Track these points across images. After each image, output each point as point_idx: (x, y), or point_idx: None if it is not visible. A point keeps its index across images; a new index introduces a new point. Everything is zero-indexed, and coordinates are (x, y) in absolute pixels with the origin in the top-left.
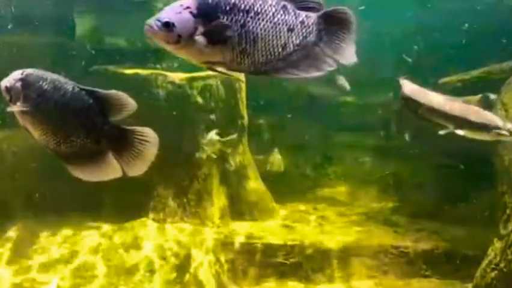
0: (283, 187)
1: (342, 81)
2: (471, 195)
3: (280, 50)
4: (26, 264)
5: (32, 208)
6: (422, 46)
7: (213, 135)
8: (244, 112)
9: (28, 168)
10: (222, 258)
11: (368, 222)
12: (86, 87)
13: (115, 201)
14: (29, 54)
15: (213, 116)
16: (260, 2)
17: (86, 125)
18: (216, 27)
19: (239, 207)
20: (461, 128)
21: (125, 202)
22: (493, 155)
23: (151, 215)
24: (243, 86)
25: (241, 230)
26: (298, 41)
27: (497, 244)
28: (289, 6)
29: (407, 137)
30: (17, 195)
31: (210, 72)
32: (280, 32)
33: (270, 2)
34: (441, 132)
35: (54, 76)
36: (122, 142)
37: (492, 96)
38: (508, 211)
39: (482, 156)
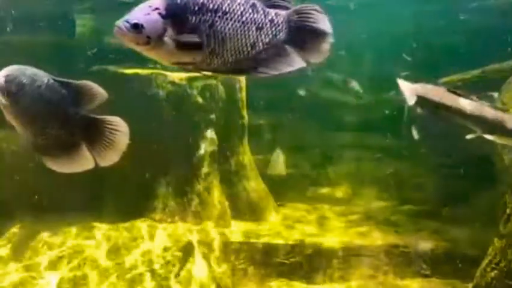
0: (284, 187)
1: (354, 84)
2: (471, 195)
3: (249, 49)
4: (26, 264)
5: (32, 208)
6: (422, 45)
7: (211, 133)
8: (245, 112)
9: (28, 167)
10: (222, 258)
11: (368, 222)
12: (60, 79)
13: (116, 201)
14: (28, 53)
15: (213, 116)
16: (228, 1)
17: (59, 116)
18: (187, 40)
19: (239, 207)
20: (492, 133)
21: (126, 202)
22: (493, 155)
23: (151, 215)
24: (243, 85)
25: (241, 230)
26: (267, 40)
27: (498, 244)
28: (258, 4)
29: (415, 134)
30: (16, 194)
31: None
32: (248, 31)
33: (238, 1)
34: (469, 137)
35: (34, 70)
36: (93, 132)
37: (495, 95)
38: (508, 211)
39: (482, 155)
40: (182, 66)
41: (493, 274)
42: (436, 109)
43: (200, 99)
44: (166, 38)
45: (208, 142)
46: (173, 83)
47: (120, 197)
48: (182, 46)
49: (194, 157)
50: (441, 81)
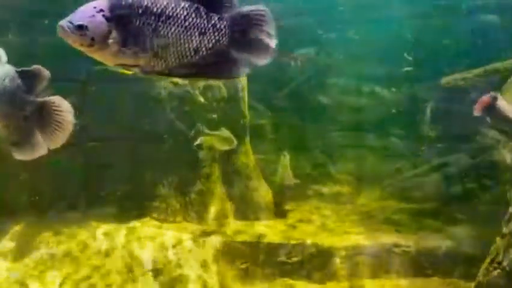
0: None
1: (377, 88)
2: (473, 194)
3: (192, 53)
4: (29, 263)
5: (34, 207)
6: (423, 44)
7: (226, 132)
8: (246, 111)
9: (30, 167)
10: (225, 258)
11: (369, 221)
12: (18, 69)
13: (118, 200)
14: (29, 53)
15: (214, 116)
16: (173, 5)
17: (19, 105)
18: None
19: (241, 207)
20: None
21: (128, 202)
22: (496, 154)
23: (153, 215)
24: (245, 85)
25: (243, 230)
26: (211, 45)
27: (500, 242)
28: (202, 9)
29: (431, 133)
30: (19, 194)
31: None
32: (191, 36)
33: (182, 5)
34: None
35: (2, 66)
36: (43, 115)
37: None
38: (510, 209)
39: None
40: (126, 68)
41: (495, 273)
42: None
43: (202, 99)
44: (110, 41)
45: (224, 141)
46: (175, 83)
47: (122, 196)
48: (126, 49)
49: (196, 157)
50: (443, 81)
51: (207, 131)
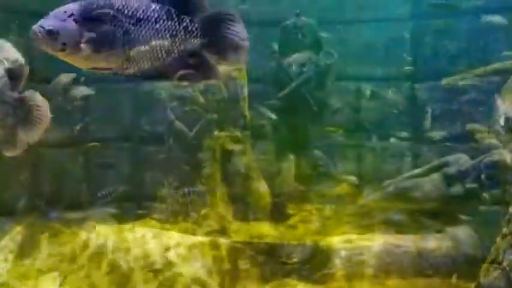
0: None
1: (390, 93)
2: (473, 194)
3: (164, 56)
4: (30, 263)
5: (34, 208)
6: (423, 45)
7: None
8: (247, 111)
9: (31, 167)
10: (225, 258)
11: (370, 222)
12: (6, 67)
13: (118, 201)
14: (29, 53)
15: (215, 116)
16: (144, 8)
17: (7, 102)
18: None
19: (242, 207)
20: None
21: (128, 202)
22: (496, 154)
23: (153, 215)
24: (246, 85)
25: (243, 230)
26: (182, 47)
27: (500, 243)
28: (173, 11)
29: (437, 136)
30: (19, 194)
31: None
32: (163, 39)
33: (153, 7)
34: None
35: None
36: (24, 111)
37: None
38: (510, 209)
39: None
40: (99, 71)
41: (495, 274)
42: None
43: (202, 99)
44: (82, 45)
45: (234, 141)
46: (175, 83)
47: (122, 197)
48: (97, 52)
49: (197, 158)
50: (444, 82)
51: (208, 131)
